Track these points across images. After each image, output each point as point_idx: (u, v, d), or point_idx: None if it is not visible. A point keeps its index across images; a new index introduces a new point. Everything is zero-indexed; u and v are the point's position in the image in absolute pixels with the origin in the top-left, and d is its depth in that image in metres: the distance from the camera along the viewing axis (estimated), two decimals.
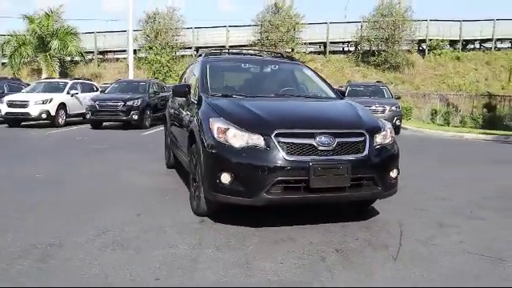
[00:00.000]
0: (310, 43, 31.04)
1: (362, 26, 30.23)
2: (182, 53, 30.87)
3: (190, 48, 31.12)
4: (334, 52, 31.71)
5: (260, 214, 4.27)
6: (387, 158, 4.07)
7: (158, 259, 3.27)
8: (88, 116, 13.71)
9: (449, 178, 6.79)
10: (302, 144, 3.77)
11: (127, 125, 14.05)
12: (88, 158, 8.07)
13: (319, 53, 31.97)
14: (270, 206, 4.00)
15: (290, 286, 2.77)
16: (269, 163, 3.68)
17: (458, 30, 29.88)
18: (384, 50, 29.04)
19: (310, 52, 31.31)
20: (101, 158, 8.09)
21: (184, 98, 5.19)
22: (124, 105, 13.53)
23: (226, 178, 3.77)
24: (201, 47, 31.91)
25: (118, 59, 31.19)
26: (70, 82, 15.57)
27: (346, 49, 32.34)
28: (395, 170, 4.18)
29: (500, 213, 4.86)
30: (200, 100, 4.71)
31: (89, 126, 14.13)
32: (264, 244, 3.66)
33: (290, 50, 29.82)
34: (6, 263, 3.13)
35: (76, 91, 15.31)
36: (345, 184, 3.82)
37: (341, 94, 5.26)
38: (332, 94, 5.21)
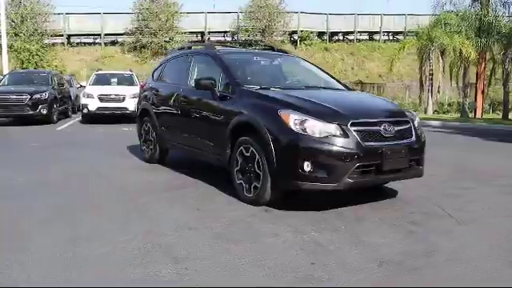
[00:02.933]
0: (190, 32, 31.05)
1: (238, 17, 31.24)
2: (53, 41, 28.56)
3: (62, 35, 28.94)
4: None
5: (294, 201, 4.53)
6: (424, 141, 4.70)
7: (285, 247, 3.40)
8: None
9: None
10: (372, 131, 4.19)
11: (24, 120, 12.67)
12: (42, 158, 7.33)
13: (198, 42, 32.13)
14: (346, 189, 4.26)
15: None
16: (351, 150, 4.01)
17: (325, 22, 32.55)
18: (261, 41, 30.31)
19: (190, 41, 31.26)
20: (57, 158, 7.40)
21: (208, 91, 5.15)
22: (30, 98, 12.27)
23: (308, 166, 4.01)
24: (73, 35, 29.97)
25: None
26: None
27: (224, 38, 32.99)
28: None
29: (477, 184, 5.80)
30: (236, 92, 4.83)
31: None
32: (348, 224, 3.98)
33: (170, 39, 29.58)
34: (143, 272, 2.98)
35: None
36: (405, 165, 4.37)
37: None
38: (340, 85, 5.70)
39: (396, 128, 4.35)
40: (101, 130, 11.54)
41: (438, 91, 17.98)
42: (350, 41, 33.66)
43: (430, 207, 4.61)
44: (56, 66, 26.18)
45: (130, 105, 13.03)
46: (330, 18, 32.52)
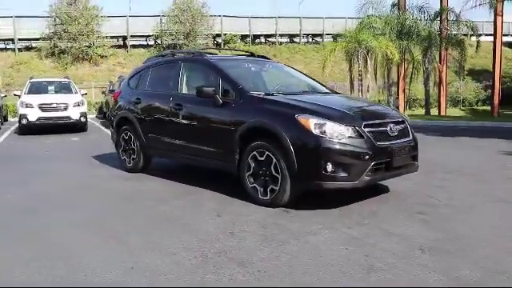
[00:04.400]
0: (111, 37, 30.08)
1: (161, 20, 30.84)
2: None
3: None
4: (135, 46, 31.48)
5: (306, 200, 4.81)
6: (416, 139, 5.16)
7: (331, 243, 3.62)
8: None
9: None
10: (382, 132, 4.57)
11: None
12: (11, 173, 6.90)
13: (120, 46, 31.28)
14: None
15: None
16: (368, 150, 4.35)
17: (247, 25, 33.12)
18: (185, 44, 30.21)
19: (112, 46, 30.29)
20: (27, 172, 6.99)
21: (209, 99, 5.20)
22: None
23: (330, 167, 4.28)
24: None
25: None
26: None
27: (146, 43, 32.38)
28: None
29: (451, 175, 6.41)
30: (241, 99, 4.97)
31: None
32: (370, 219, 4.29)
33: (91, 44, 28.47)
34: (218, 280, 3.05)
35: None
36: (408, 161, 4.81)
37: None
38: (326, 89, 6.03)
39: (398, 128, 4.77)
40: (49, 141, 10.95)
41: (368, 90, 19.22)
42: (272, 43, 34.56)
43: (425, 199, 5.06)
44: None
45: (74, 114, 12.52)
46: (252, 21, 33.15)
